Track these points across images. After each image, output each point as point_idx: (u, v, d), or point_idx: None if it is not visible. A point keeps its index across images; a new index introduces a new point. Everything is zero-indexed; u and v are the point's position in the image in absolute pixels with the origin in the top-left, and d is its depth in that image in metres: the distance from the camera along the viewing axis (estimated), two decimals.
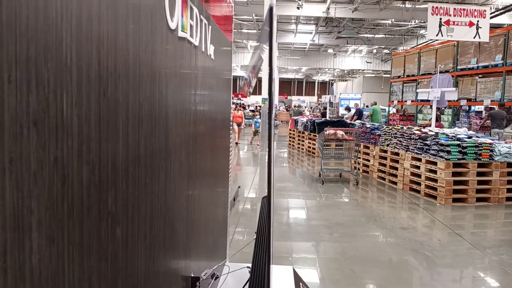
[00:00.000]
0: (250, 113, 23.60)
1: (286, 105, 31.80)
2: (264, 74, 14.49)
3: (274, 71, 0.75)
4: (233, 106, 17.95)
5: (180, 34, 1.07)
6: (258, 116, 14.17)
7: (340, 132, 8.76)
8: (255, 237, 1.68)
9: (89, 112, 0.57)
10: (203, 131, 1.25)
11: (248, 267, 2.06)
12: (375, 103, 14.28)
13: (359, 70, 29.53)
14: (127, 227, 0.74)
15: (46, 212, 0.48)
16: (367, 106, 18.60)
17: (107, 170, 0.64)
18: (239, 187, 7.18)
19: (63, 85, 0.51)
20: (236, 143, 13.88)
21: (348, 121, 13.16)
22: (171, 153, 1.02)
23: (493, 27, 10.02)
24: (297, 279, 2.19)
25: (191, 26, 1.16)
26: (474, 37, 8.94)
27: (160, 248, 0.94)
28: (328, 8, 15.04)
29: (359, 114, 15.35)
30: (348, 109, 17.42)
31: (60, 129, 0.50)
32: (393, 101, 13.60)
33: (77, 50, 0.54)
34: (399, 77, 12.85)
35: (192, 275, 1.35)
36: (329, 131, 8.75)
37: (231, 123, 2.25)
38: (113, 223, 0.67)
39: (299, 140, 13.64)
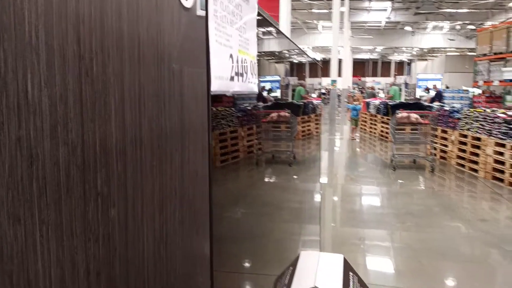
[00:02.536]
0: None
1: (359, 87, 30.59)
2: (333, 55, 14.07)
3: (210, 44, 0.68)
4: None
5: (199, 13, 1.04)
6: (357, 102, 13.43)
7: (413, 116, 8.23)
8: None
9: (65, 92, 0.57)
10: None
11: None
12: (393, 84, 16.20)
13: (440, 48, 27.33)
14: (126, 209, 0.74)
15: (8, 192, 0.48)
16: (447, 87, 17.26)
17: (94, 151, 0.64)
18: None
19: (27, 65, 0.50)
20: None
21: (426, 103, 12.36)
22: (189, 135, 1.00)
23: None
24: (347, 268, 2.10)
25: None
26: None
27: (175, 230, 0.94)
28: None
29: (439, 96, 14.35)
30: (427, 90, 16.39)
31: (24, 109, 0.50)
32: (477, 82, 12.43)
33: (46, 30, 0.53)
34: (485, 55, 11.65)
35: None
36: (402, 114, 8.27)
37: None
38: (105, 204, 0.67)
39: (371, 123, 13.10)
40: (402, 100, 14.83)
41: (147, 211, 0.80)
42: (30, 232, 0.51)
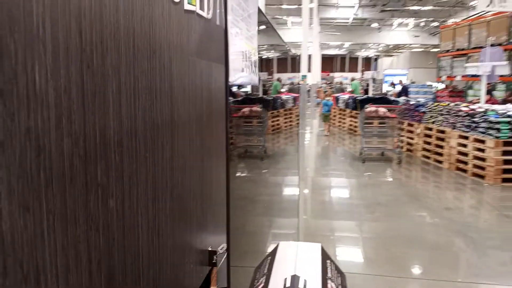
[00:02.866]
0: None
1: (328, 82, 31.07)
2: (303, 50, 14.23)
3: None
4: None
5: (187, 7, 1.05)
6: (329, 98, 13.34)
7: (381, 110, 8.47)
8: None
9: (69, 84, 0.58)
10: (218, 107, 1.24)
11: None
12: (353, 79, 17.59)
13: (405, 44, 28.16)
14: (123, 199, 0.75)
15: (18, 181, 0.49)
16: (413, 82, 17.84)
17: (95, 142, 0.65)
18: None
19: (35, 57, 0.51)
20: None
21: (392, 98, 12.73)
22: (179, 128, 1.02)
23: None
24: (325, 256, 2.17)
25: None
26: None
27: (166, 221, 0.96)
28: None
29: (405, 91, 14.81)
30: (393, 85, 16.89)
31: (32, 100, 0.51)
32: (441, 77, 12.91)
33: (52, 22, 0.54)
34: (448, 51, 12.13)
35: (210, 249, 1.37)
36: (370, 108, 8.48)
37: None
38: (105, 194, 0.68)
39: (340, 118, 13.37)
40: (359, 93, 15.51)
41: (140, 202, 0.82)
42: (38, 221, 0.52)
